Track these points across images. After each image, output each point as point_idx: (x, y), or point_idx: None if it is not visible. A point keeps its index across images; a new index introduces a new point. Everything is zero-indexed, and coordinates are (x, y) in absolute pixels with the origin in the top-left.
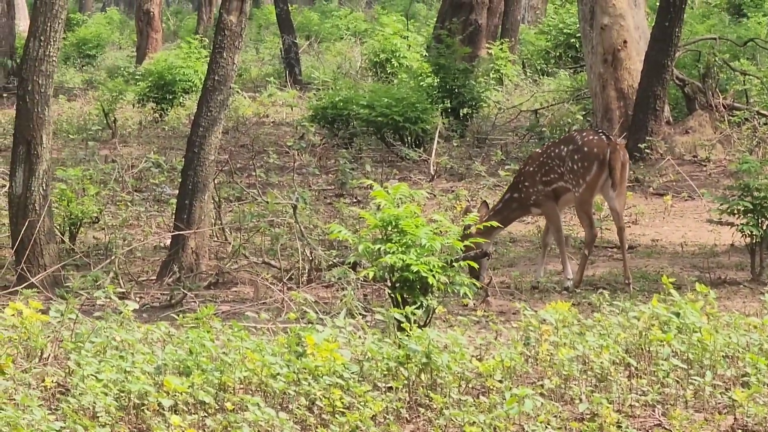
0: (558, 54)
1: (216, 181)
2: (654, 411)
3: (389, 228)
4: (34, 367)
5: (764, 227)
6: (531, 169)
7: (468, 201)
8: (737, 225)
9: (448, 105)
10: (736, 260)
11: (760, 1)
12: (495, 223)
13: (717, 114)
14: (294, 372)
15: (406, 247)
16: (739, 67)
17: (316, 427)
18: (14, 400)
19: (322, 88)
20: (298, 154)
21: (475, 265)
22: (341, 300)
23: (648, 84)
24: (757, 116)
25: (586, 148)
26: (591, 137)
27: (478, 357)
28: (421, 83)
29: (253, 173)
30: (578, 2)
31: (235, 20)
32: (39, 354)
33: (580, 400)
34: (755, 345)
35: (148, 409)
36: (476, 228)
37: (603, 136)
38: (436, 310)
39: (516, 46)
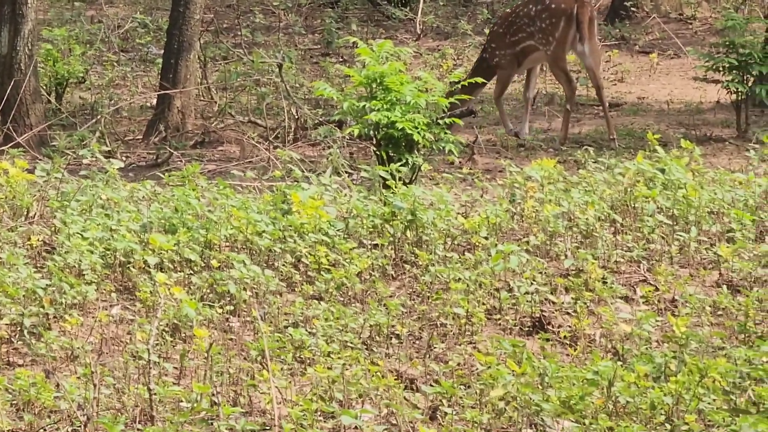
0: None
1: (202, 41)
2: (639, 267)
3: (374, 85)
4: (20, 226)
5: (749, 84)
6: (500, 30)
7: (454, 60)
8: (722, 82)
9: None
10: (721, 117)
11: None
12: (480, 80)
13: None
14: (279, 230)
15: (391, 104)
16: None
17: (302, 284)
18: (0, 258)
19: None
20: (284, 14)
21: (460, 122)
22: (327, 158)
23: None
24: None
25: (553, 5)
26: None
27: (464, 214)
28: None
29: (239, 33)
30: None
31: None
32: (25, 213)
33: (566, 256)
34: (740, 201)
35: (133, 267)
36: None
37: None
38: (422, 168)
39: None
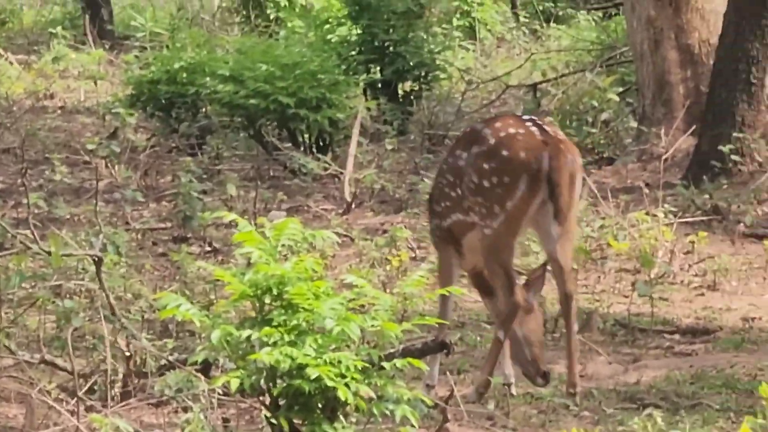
0: None
1: None
2: None
3: (268, 300)
4: None
5: None
6: (431, 191)
7: (411, 249)
8: None
9: (378, 76)
10: None
11: None
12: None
13: None
14: None
15: (297, 334)
16: None
17: None
18: None
19: (150, 45)
20: (106, 165)
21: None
22: (182, 430)
23: (736, 37)
24: None
25: (504, 152)
26: (512, 132)
27: None
28: (329, 37)
29: (25, 200)
30: None
31: None
32: None
33: None
34: None
35: None
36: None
37: (534, 129)
38: None
39: None
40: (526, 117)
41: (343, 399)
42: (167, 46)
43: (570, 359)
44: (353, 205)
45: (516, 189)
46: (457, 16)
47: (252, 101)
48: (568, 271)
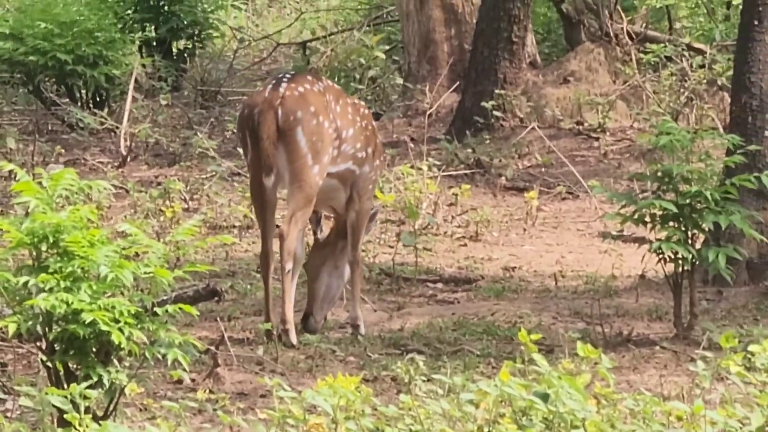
0: None
1: None
2: None
3: (44, 247)
4: None
5: (696, 246)
6: None
7: (185, 201)
8: (651, 242)
9: (153, 35)
10: (648, 302)
11: None
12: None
13: (618, 49)
14: None
15: (73, 280)
16: None
17: None
18: None
19: None
20: None
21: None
22: None
23: None
24: (686, 53)
25: (241, 109)
26: (258, 90)
27: None
28: None
29: None
30: None
31: None
32: None
33: None
34: None
35: None
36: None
37: (270, 86)
38: (126, 391)
39: None
40: (285, 75)
41: (116, 343)
42: None
43: (283, 298)
44: (129, 159)
45: (244, 144)
46: None
47: (31, 58)
48: (286, 223)
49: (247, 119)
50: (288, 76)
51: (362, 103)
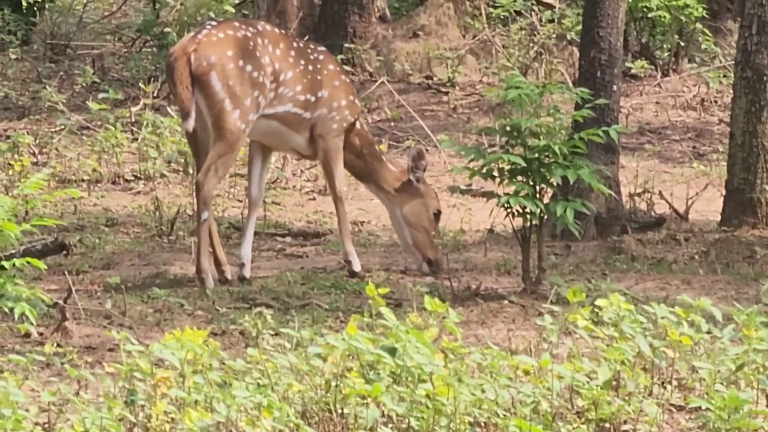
0: None
1: None
2: None
3: None
4: None
5: (544, 200)
6: None
7: (33, 155)
8: (499, 196)
9: None
10: (496, 256)
11: None
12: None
13: (468, 4)
14: None
15: None
16: None
17: None
18: None
19: None
20: None
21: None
22: None
23: None
24: (536, 8)
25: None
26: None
27: (47, 426)
28: None
29: None
30: None
31: None
32: None
33: None
34: (527, 404)
35: None
36: None
37: (193, 33)
38: None
39: None
40: (211, 23)
41: None
42: None
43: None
44: None
45: (170, 89)
46: None
47: None
48: (205, 173)
49: (167, 66)
50: (213, 23)
51: (321, 49)
